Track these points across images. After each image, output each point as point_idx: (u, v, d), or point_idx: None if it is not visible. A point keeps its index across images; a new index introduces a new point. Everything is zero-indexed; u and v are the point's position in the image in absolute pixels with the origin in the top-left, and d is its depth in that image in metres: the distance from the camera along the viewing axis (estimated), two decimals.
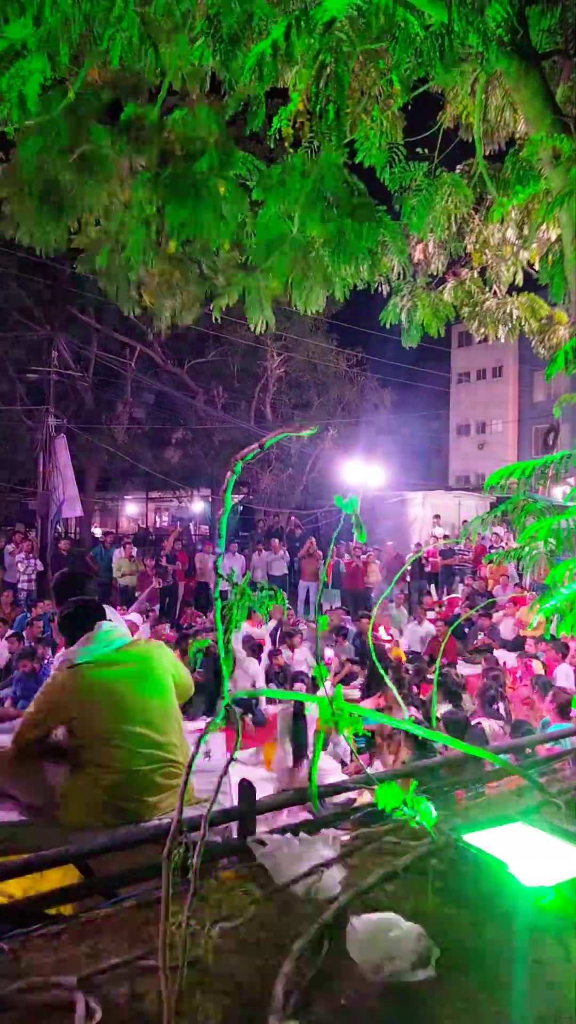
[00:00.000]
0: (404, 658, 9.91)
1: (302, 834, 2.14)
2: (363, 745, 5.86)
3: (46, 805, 2.69)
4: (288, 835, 2.13)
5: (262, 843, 2.08)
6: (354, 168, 4.24)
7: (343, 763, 5.67)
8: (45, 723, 2.70)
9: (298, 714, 5.45)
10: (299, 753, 5.31)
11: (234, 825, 2.30)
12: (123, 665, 2.71)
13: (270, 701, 7.66)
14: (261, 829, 2.25)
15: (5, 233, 4.47)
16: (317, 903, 1.86)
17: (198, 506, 30.41)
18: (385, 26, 3.14)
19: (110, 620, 2.92)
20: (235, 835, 2.27)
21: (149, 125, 4.21)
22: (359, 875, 2.02)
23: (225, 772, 1.69)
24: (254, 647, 9.08)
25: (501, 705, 6.60)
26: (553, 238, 4.89)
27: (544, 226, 4.79)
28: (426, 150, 4.76)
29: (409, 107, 4.45)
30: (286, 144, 3.96)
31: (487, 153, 4.81)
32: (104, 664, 2.69)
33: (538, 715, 6.54)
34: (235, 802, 2.33)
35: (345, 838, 2.25)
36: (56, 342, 17.70)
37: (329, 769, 5.04)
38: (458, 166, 4.89)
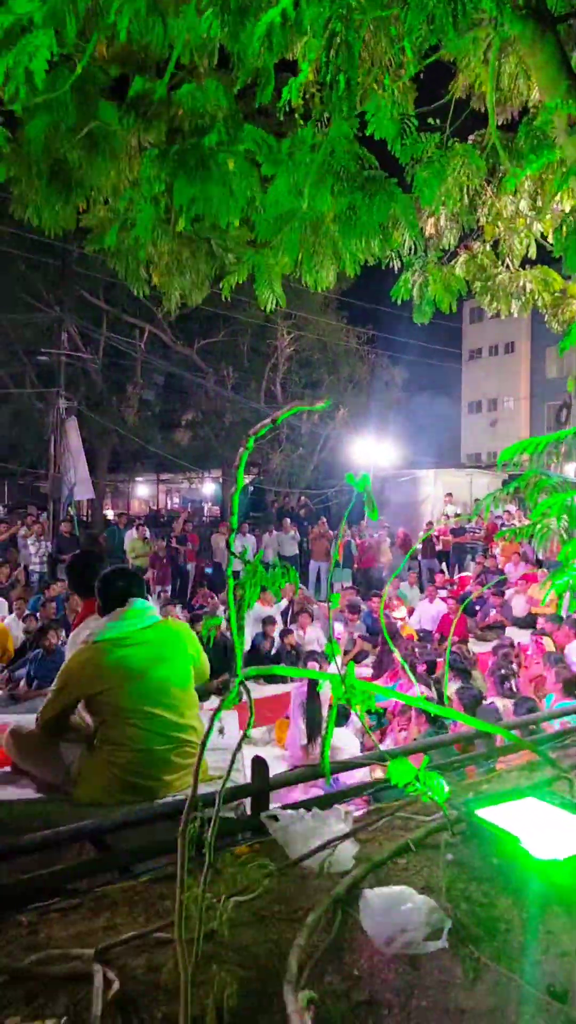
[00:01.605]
0: (415, 636, 9.94)
1: (315, 809, 2.16)
2: (375, 722, 5.90)
3: (62, 782, 2.72)
4: (301, 810, 2.15)
5: (275, 818, 2.10)
6: (364, 140, 4.17)
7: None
8: (67, 697, 2.70)
9: (313, 692, 5.47)
10: (313, 731, 5.34)
11: (248, 801, 2.32)
12: (147, 645, 2.71)
13: (282, 679, 7.70)
14: (274, 806, 2.27)
15: (14, 213, 4.44)
16: (330, 877, 1.88)
17: (209, 487, 30.44)
18: None
19: (145, 598, 2.90)
20: (249, 811, 2.30)
21: (157, 100, 4.15)
22: (372, 849, 2.04)
23: (239, 749, 1.70)
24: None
25: (513, 684, 6.61)
26: (567, 209, 4.79)
27: (558, 197, 4.70)
28: (438, 121, 4.66)
29: (421, 76, 4.34)
30: (296, 116, 3.88)
31: (500, 123, 4.70)
32: (128, 643, 2.69)
33: (546, 693, 6.54)
34: (248, 779, 2.35)
35: (357, 813, 2.27)
36: (65, 324, 17.65)
37: (346, 746, 5.06)
38: (470, 137, 4.78)
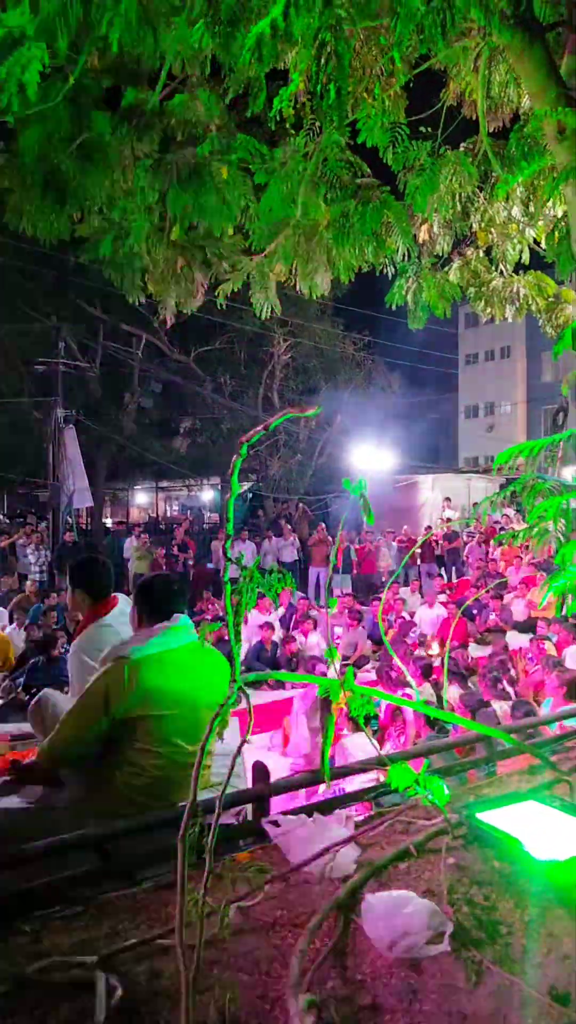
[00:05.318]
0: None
1: (316, 814, 2.16)
2: (377, 728, 5.90)
3: (64, 790, 2.71)
4: (302, 815, 2.15)
5: (276, 824, 2.10)
6: (356, 149, 4.20)
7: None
8: (100, 717, 2.45)
9: (327, 699, 5.42)
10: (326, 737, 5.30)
11: (249, 807, 2.32)
12: (187, 670, 2.54)
13: (281, 686, 7.70)
14: (276, 811, 2.27)
15: (9, 223, 4.47)
16: (331, 882, 1.89)
17: (207, 495, 30.46)
18: (386, 1, 3.11)
19: (182, 614, 2.71)
20: (250, 817, 2.30)
21: (150, 111, 4.18)
22: (373, 854, 2.04)
23: (238, 754, 1.70)
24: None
25: (506, 686, 6.61)
26: (559, 215, 4.83)
27: (550, 203, 4.73)
28: (429, 129, 4.70)
29: (411, 85, 4.39)
30: (288, 125, 3.92)
31: (491, 130, 4.73)
32: (169, 665, 2.51)
33: (545, 698, 6.53)
34: (250, 785, 2.35)
35: (358, 818, 2.28)
36: (62, 333, 17.70)
37: (358, 747, 4.99)
38: (462, 144, 4.82)
